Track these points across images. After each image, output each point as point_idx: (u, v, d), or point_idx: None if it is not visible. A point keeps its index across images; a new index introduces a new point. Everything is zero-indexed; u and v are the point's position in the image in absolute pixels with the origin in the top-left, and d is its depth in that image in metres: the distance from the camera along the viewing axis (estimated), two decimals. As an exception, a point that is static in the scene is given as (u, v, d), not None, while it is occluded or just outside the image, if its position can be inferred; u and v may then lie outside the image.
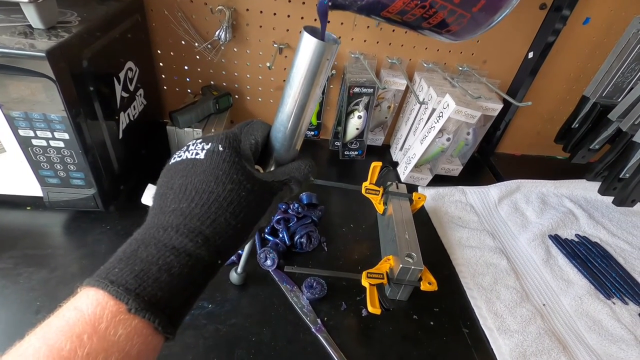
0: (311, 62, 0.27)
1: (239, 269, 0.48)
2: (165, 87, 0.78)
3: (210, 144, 0.28)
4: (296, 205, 0.60)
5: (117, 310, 0.21)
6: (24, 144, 0.47)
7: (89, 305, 0.21)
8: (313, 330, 0.47)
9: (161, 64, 0.74)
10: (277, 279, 0.52)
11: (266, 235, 0.58)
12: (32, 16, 0.42)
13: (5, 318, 0.42)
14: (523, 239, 0.67)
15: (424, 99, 0.69)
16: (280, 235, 0.57)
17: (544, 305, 0.56)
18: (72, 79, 0.44)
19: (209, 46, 0.71)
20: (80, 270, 0.49)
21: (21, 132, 0.46)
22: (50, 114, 0.45)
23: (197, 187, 0.26)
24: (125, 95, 0.58)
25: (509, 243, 0.66)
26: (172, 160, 0.29)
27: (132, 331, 0.21)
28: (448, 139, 0.69)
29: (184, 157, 0.28)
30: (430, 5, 0.23)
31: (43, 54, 0.40)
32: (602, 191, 0.70)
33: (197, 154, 0.27)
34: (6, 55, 0.40)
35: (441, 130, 0.67)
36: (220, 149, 0.27)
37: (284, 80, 0.77)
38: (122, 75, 0.57)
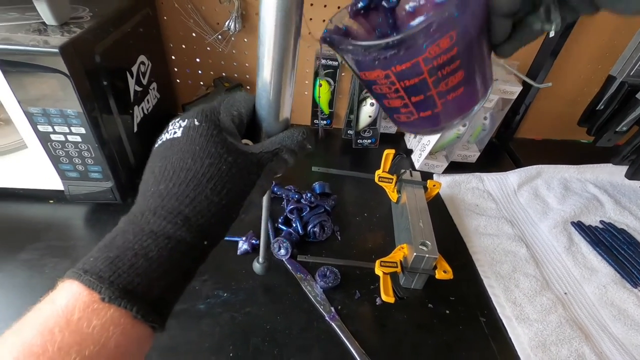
0: (278, 6, 0.24)
1: (261, 259, 0.47)
2: (178, 80, 0.79)
3: (186, 120, 0.26)
4: (309, 194, 0.60)
5: (90, 301, 0.20)
6: (44, 139, 0.49)
7: (63, 298, 0.20)
8: (327, 318, 0.47)
9: (173, 57, 0.75)
10: (290, 268, 0.52)
11: (279, 225, 0.58)
12: (44, 13, 0.43)
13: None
14: (544, 226, 0.65)
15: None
16: (294, 225, 0.57)
17: (565, 293, 0.54)
18: (85, 74, 0.45)
19: (219, 37, 0.71)
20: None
21: (40, 128, 0.48)
22: (66, 109, 0.46)
23: (175, 167, 0.24)
24: (138, 89, 0.59)
25: (529, 230, 0.64)
26: (156, 145, 0.28)
27: (107, 321, 0.20)
28: (464, 125, 0.67)
29: (164, 139, 0.27)
30: (395, 90, 0.25)
31: (56, 50, 0.41)
32: (630, 175, 0.67)
33: (174, 132, 0.26)
34: (22, 52, 0.41)
35: (456, 116, 0.65)
36: (197, 123, 0.26)
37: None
38: (134, 69, 0.58)
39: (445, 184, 0.70)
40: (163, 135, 0.27)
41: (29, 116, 0.46)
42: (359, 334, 0.46)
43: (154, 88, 0.66)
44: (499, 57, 0.27)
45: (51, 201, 0.58)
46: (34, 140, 0.49)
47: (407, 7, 0.29)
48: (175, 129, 0.26)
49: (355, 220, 0.62)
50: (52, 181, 0.55)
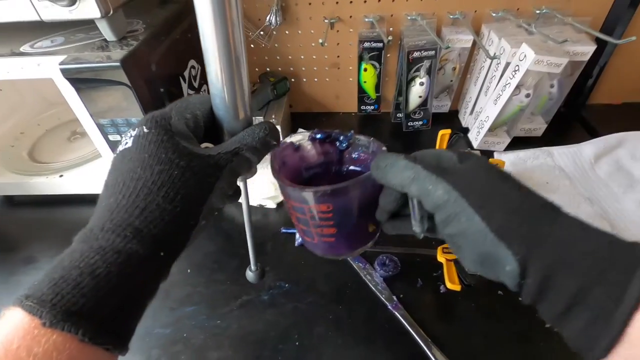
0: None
1: (252, 266, 0.39)
2: (226, 80, 0.81)
3: (137, 129, 0.25)
4: (361, 183, 0.59)
5: (30, 327, 0.19)
6: (114, 148, 0.53)
7: (3, 327, 0.19)
8: (389, 307, 0.46)
9: (220, 58, 0.77)
10: (348, 258, 0.52)
11: (334, 215, 0.58)
12: (105, 30, 0.47)
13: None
14: (630, 201, 0.57)
15: (494, 54, 0.62)
16: (348, 214, 0.56)
17: (662, 276, 0.48)
18: (144, 83, 0.48)
19: (262, 33, 0.72)
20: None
21: (110, 138, 0.52)
22: (131, 118, 0.49)
23: (125, 178, 0.23)
24: (191, 92, 0.62)
25: (612, 207, 0.57)
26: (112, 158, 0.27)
27: (50, 348, 0.18)
28: (527, 95, 0.61)
29: (117, 151, 0.25)
30: (292, 213, 0.35)
31: (118, 64, 0.43)
32: None
33: (126, 143, 0.25)
34: (90, 69, 0.44)
35: (518, 87, 0.59)
36: (145, 130, 0.24)
37: (338, 57, 0.76)
38: (186, 73, 0.60)
39: (508, 162, 0.65)
40: (118, 147, 0.26)
41: (100, 127, 0.51)
42: (424, 322, 0.44)
43: (204, 90, 0.68)
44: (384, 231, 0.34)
45: (125, 203, 0.64)
46: (106, 149, 0.54)
47: (353, 152, 0.38)
48: (127, 140, 0.25)
49: (412, 206, 0.60)
50: (124, 185, 0.60)
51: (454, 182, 0.24)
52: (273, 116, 0.69)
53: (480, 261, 0.25)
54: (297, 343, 0.44)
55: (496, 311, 0.46)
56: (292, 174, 0.39)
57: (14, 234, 0.61)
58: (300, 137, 0.39)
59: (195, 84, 0.64)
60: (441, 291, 0.48)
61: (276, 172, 0.33)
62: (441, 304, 0.47)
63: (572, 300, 0.21)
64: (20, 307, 0.19)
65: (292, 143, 0.38)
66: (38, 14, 0.44)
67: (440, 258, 0.46)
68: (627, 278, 0.19)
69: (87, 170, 0.64)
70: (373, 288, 0.48)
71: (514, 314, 0.45)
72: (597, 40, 0.60)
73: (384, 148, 0.35)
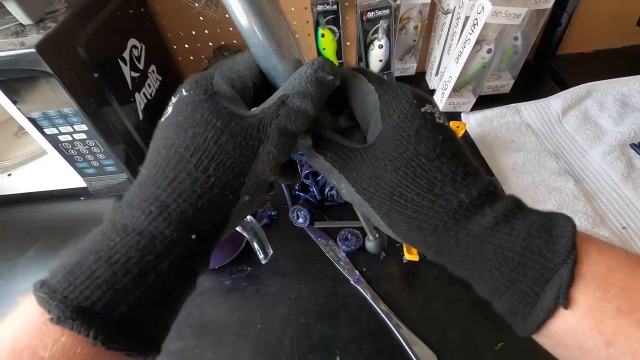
0: None
1: (370, 235, 0.38)
2: (180, 58, 0.76)
3: (177, 94, 0.22)
4: (323, 157, 0.57)
5: (40, 322, 0.16)
6: (53, 141, 0.50)
7: (15, 318, 0.17)
8: (352, 282, 0.46)
9: (169, 35, 0.72)
10: (311, 235, 0.51)
11: (297, 192, 0.56)
12: (16, 12, 0.42)
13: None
14: (595, 154, 0.56)
15: (448, 8, 0.58)
16: (311, 191, 0.55)
17: (624, 228, 0.48)
18: (71, 69, 0.44)
19: (207, 2, 0.66)
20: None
21: (47, 131, 0.49)
22: (63, 108, 0.46)
23: (159, 147, 0.21)
24: (135, 75, 0.58)
25: (577, 162, 0.56)
26: None
27: (57, 352, 0.15)
28: (489, 51, 0.58)
29: (159, 122, 0.23)
30: None
31: (33, 50, 0.40)
32: None
33: (167, 112, 0.22)
34: (4, 58, 0.40)
35: (479, 42, 0.56)
36: (185, 93, 0.22)
37: (295, 23, 0.71)
38: (126, 55, 0.56)
39: (474, 122, 0.63)
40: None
41: (33, 121, 0.47)
42: (387, 294, 0.44)
43: (153, 71, 0.64)
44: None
45: (82, 198, 0.61)
46: (47, 144, 0.51)
47: None
48: (168, 108, 0.23)
49: (376, 177, 0.58)
50: (75, 180, 0.57)
51: (354, 180, 0.22)
52: (229, 93, 0.66)
53: None
54: (259, 326, 0.43)
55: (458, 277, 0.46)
56: None
57: (-34, 240, 0.58)
58: None
59: (140, 66, 0.60)
60: (404, 261, 0.47)
61: None
62: (404, 274, 0.47)
63: (490, 293, 0.21)
64: (34, 295, 0.17)
65: None
66: None
67: (399, 229, 0.45)
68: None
69: (37, 167, 0.61)
70: (336, 264, 0.48)
71: (476, 278, 0.45)
72: (561, -15, 0.57)
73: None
